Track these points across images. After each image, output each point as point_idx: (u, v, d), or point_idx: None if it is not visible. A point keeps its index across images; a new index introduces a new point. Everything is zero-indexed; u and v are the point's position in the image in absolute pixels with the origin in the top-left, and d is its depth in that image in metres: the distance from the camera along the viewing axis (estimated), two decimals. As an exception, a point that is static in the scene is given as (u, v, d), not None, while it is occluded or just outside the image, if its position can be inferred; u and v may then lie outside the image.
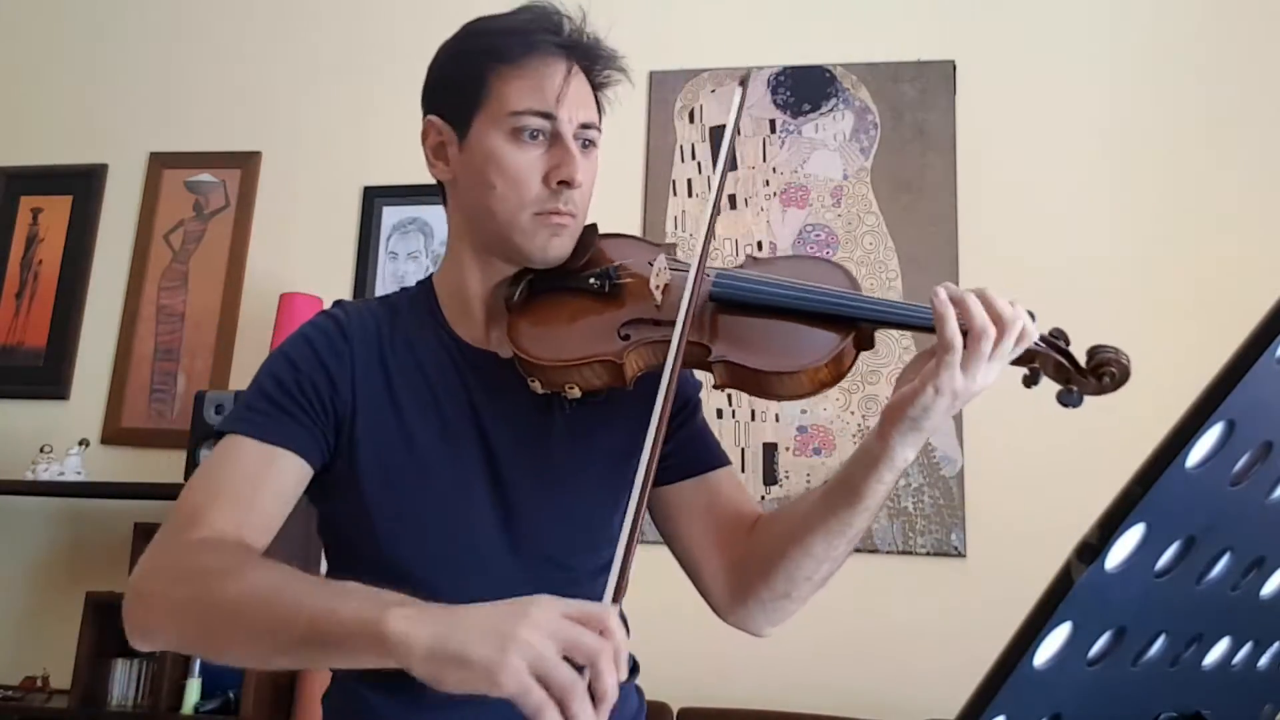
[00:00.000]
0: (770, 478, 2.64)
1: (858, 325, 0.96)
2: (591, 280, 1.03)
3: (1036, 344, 0.91)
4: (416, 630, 0.72)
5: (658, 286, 1.01)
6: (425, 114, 1.09)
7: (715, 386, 0.99)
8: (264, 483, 0.95)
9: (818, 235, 2.77)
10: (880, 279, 2.70)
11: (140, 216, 3.10)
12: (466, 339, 1.06)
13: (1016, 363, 0.92)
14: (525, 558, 1.01)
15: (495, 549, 1.00)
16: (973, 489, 2.53)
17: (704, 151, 2.88)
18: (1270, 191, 2.60)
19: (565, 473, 1.04)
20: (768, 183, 2.82)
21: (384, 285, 2.91)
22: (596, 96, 1.06)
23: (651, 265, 1.04)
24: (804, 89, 2.86)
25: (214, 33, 3.22)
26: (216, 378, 2.91)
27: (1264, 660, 0.65)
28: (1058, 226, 2.66)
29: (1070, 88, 2.75)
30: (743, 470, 2.63)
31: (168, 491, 2.64)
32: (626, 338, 0.97)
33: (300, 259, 2.97)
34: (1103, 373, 0.92)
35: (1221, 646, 0.61)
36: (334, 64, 3.11)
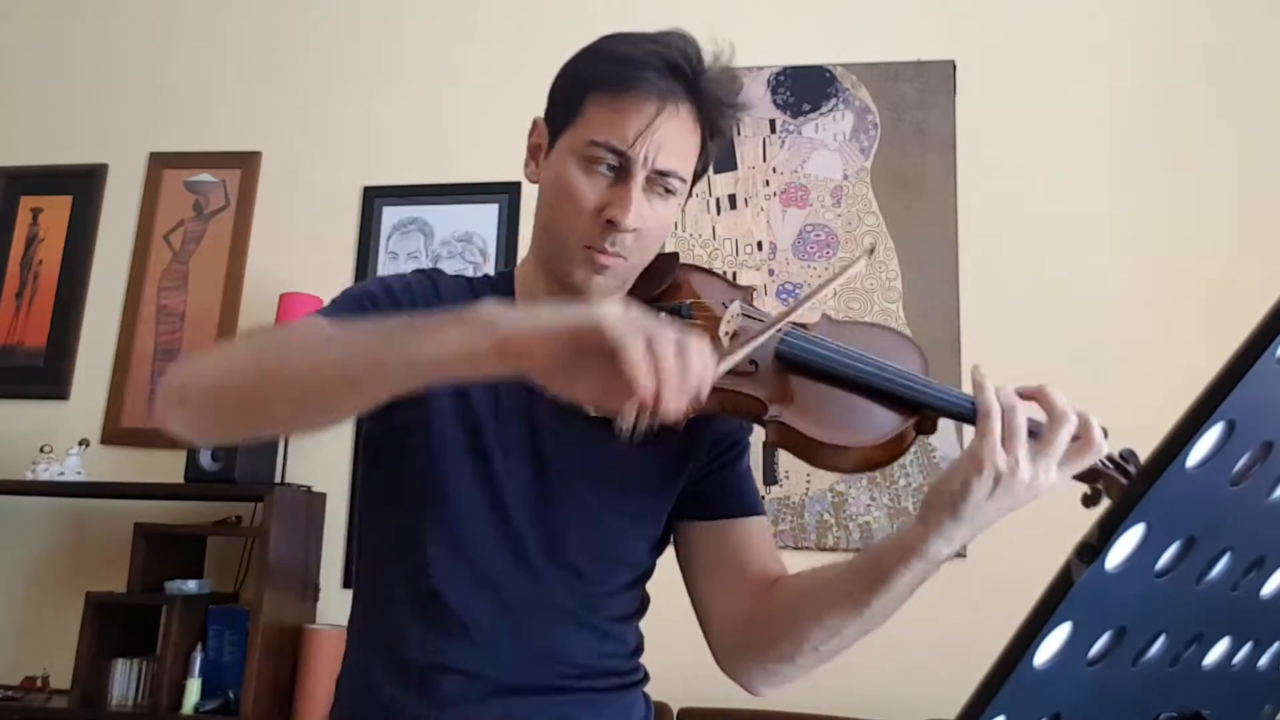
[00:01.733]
0: (770, 477, 2.60)
1: (922, 411, 0.93)
2: (663, 315, 0.99)
3: (1107, 464, 0.88)
4: (500, 311, 0.73)
5: (727, 333, 0.99)
6: (544, 112, 1.07)
7: (766, 444, 0.98)
8: None
9: (818, 235, 2.77)
10: (880, 279, 2.70)
11: (140, 216, 3.10)
12: None
13: (1081, 478, 0.89)
14: (556, 570, 1.01)
15: (530, 547, 1.01)
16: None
17: (704, 151, 2.88)
18: (1271, 191, 2.60)
19: (605, 490, 1.04)
20: (768, 183, 2.82)
21: (384, 285, 2.91)
22: (704, 139, 1.03)
23: (726, 308, 1.02)
24: (804, 89, 2.86)
25: (214, 33, 3.22)
26: (216, 378, 2.91)
27: (1264, 660, 0.65)
28: (1058, 226, 2.66)
29: (1070, 87, 2.75)
30: (743, 470, 2.63)
31: (168, 491, 2.65)
32: None
33: (300, 259, 2.97)
34: None
35: (1221, 646, 0.61)
36: (334, 64, 3.11)
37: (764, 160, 2.84)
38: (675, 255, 1.08)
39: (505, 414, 1.02)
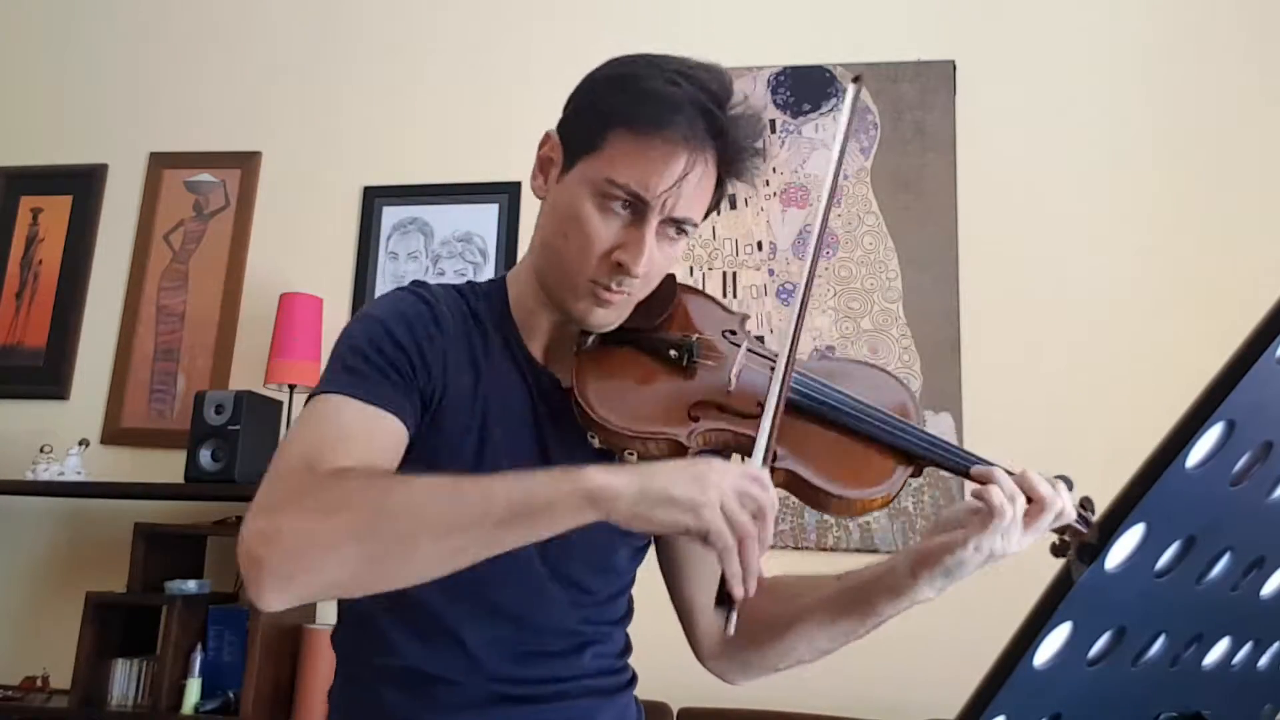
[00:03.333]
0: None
1: (916, 461, 0.99)
2: (672, 351, 1.00)
3: (1076, 523, 0.96)
4: (618, 479, 0.80)
5: (735, 373, 0.99)
6: (558, 125, 1.03)
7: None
8: (375, 439, 0.91)
9: (818, 235, 2.76)
10: (880, 279, 2.70)
11: (140, 216, 3.10)
12: (535, 355, 1.05)
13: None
14: (558, 580, 1.02)
15: (534, 568, 1.00)
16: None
17: (704, 151, 2.87)
18: (1271, 190, 2.60)
19: None
20: (767, 183, 2.82)
21: (384, 285, 2.91)
22: (721, 183, 1.02)
23: (731, 344, 1.03)
24: (804, 89, 2.86)
25: (215, 33, 3.21)
26: (216, 378, 2.91)
27: (1264, 660, 0.65)
28: (1058, 226, 2.66)
29: (1070, 87, 2.75)
30: (743, 470, 2.63)
31: (168, 491, 2.65)
32: (696, 419, 0.96)
33: (300, 259, 2.97)
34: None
35: (1221, 646, 0.61)
36: (334, 64, 3.11)
37: (764, 160, 2.84)
38: (672, 278, 1.07)
39: (513, 433, 1.01)
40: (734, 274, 2.77)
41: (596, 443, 0.97)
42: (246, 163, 3.07)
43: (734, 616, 0.83)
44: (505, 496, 0.80)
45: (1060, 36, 2.79)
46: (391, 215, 2.96)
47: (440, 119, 2.98)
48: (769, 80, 2.87)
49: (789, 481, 0.95)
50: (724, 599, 0.83)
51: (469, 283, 1.10)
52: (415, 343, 0.97)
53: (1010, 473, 0.94)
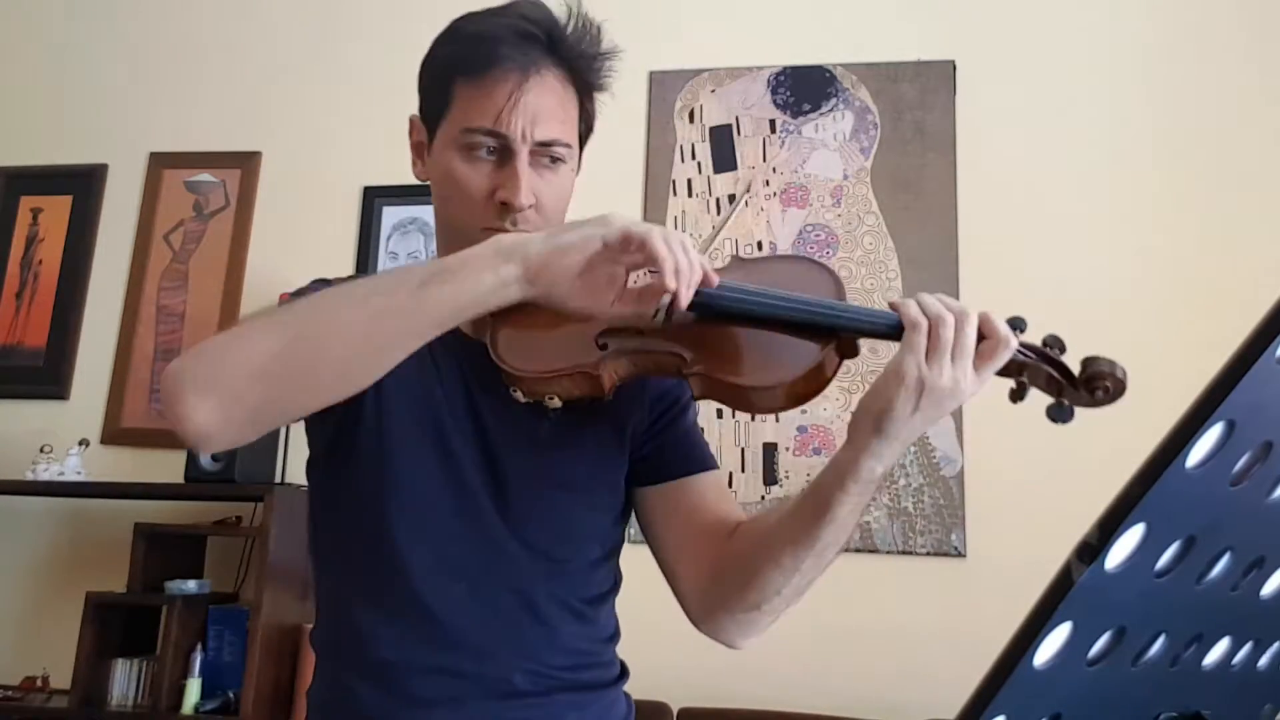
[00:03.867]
0: (770, 478, 2.64)
1: (838, 335, 0.92)
2: None
3: (1025, 354, 0.88)
4: (527, 236, 0.84)
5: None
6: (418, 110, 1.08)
7: (693, 398, 0.97)
8: None
9: (818, 235, 2.77)
10: (880, 279, 2.70)
11: (140, 216, 3.10)
12: (464, 329, 1.04)
13: (1004, 374, 0.88)
14: (520, 548, 1.00)
15: (493, 539, 0.99)
16: (973, 489, 2.53)
17: (704, 151, 2.88)
18: (1272, 190, 2.60)
19: (557, 470, 1.03)
20: (767, 183, 2.82)
21: (384, 285, 2.91)
22: (584, 102, 1.03)
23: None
24: (804, 89, 2.86)
25: (214, 33, 3.22)
26: (216, 378, 2.91)
27: (1264, 660, 0.65)
28: (1058, 226, 2.66)
29: (1070, 87, 2.75)
30: (742, 470, 2.63)
31: (168, 491, 2.65)
32: (604, 347, 0.94)
33: (300, 259, 2.96)
34: (1096, 386, 0.87)
35: (1221, 646, 0.61)
36: (334, 64, 3.11)
37: (764, 160, 2.84)
38: None
39: (454, 407, 1.01)
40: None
41: (520, 396, 0.96)
42: (246, 163, 3.07)
43: (662, 305, 0.85)
44: (423, 268, 0.83)
45: (1060, 36, 2.79)
46: (391, 215, 2.96)
47: (440, 119, 2.97)
48: (769, 80, 2.87)
49: (706, 387, 0.93)
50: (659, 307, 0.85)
51: None
52: None
53: None
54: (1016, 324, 0.88)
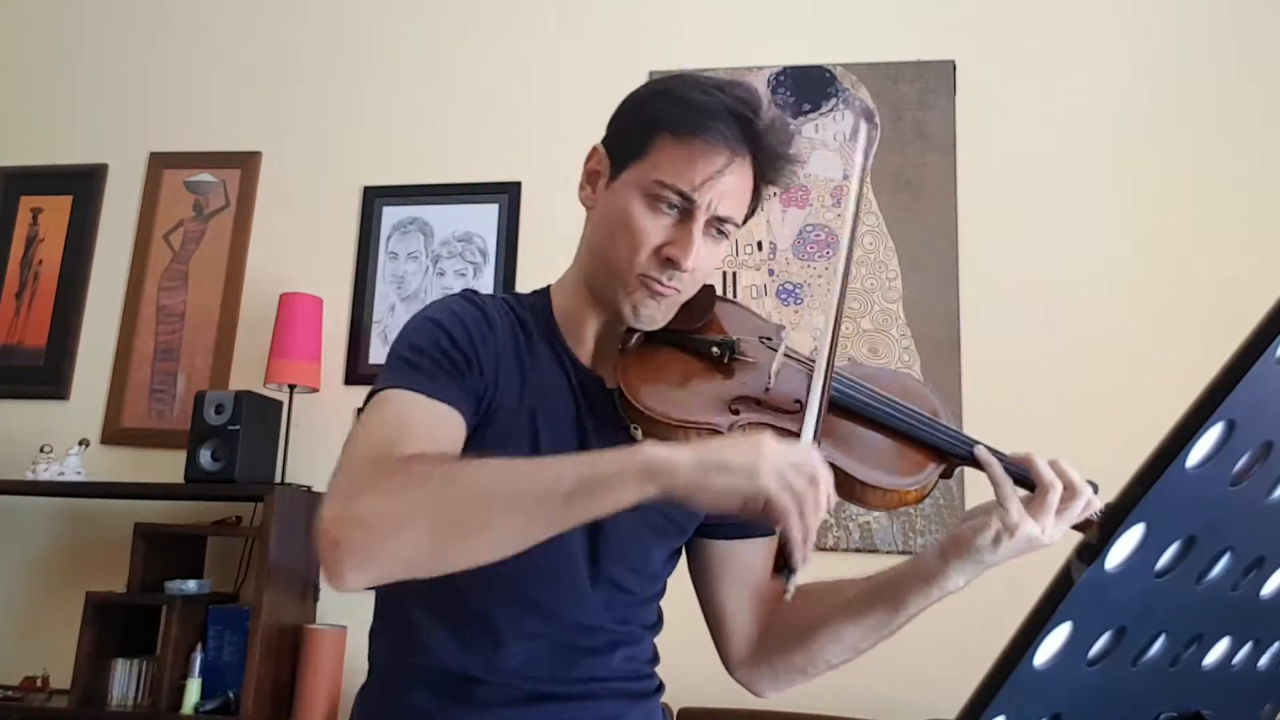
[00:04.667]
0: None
1: (948, 459, 1.01)
2: (714, 349, 1.04)
3: (1098, 516, 0.97)
4: (675, 452, 0.82)
5: (776, 371, 1.03)
6: (603, 140, 1.10)
7: None
8: (438, 429, 0.95)
9: (817, 235, 2.77)
10: (880, 279, 2.70)
11: (140, 216, 3.10)
12: (581, 359, 1.09)
13: (1080, 529, 0.99)
14: (599, 580, 1.04)
15: (578, 567, 1.03)
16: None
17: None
18: (1272, 189, 2.60)
19: (648, 511, 1.05)
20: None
21: (384, 285, 2.91)
22: (758, 188, 1.08)
23: (768, 348, 1.07)
24: (804, 89, 2.86)
25: (214, 33, 3.22)
26: (216, 378, 2.91)
27: (1264, 660, 0.65)
28: (1057, 226, 2.66)
29: (1070, 88, 2.75)
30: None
31: (168, 491, 2.65)
32: (736, 412, 1.00)
33: (300, 259, 2.97)
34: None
35: (1221, 646, 0.61)
36: (334, 64, 3.11)
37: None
38: (711, 288, 1.12)
39: (556, 432, 1.04)
40: (734, 274, 2.77)
41: (639, 434, 1.00)
42: (246, 163, 3.07)
43: (794, 581, 0.84)
44: (573, 470, 0.84)
45: (1060, 36, 2.79)
46: (391, 215, 2.96)
47: (440, 119, 2.98)
48: (769, 80, 2.87)
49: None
50: (782, 565, 0.85)
51: (514, 293, 1.16)
52: (470, 341, 1.02)
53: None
54: (1094, 488, 0.99)
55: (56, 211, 3.14)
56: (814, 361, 1.00)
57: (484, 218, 2.90)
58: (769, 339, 1.08)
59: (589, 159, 1.09)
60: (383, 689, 1.05)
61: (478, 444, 0.99)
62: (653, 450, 0.82)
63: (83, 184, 3.14)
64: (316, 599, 2.70)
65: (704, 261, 1.03)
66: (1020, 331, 2.58)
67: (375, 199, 2.97)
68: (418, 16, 3.10)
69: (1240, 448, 0.50)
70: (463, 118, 2.96)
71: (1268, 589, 0.61)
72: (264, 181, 3.06)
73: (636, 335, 1.06)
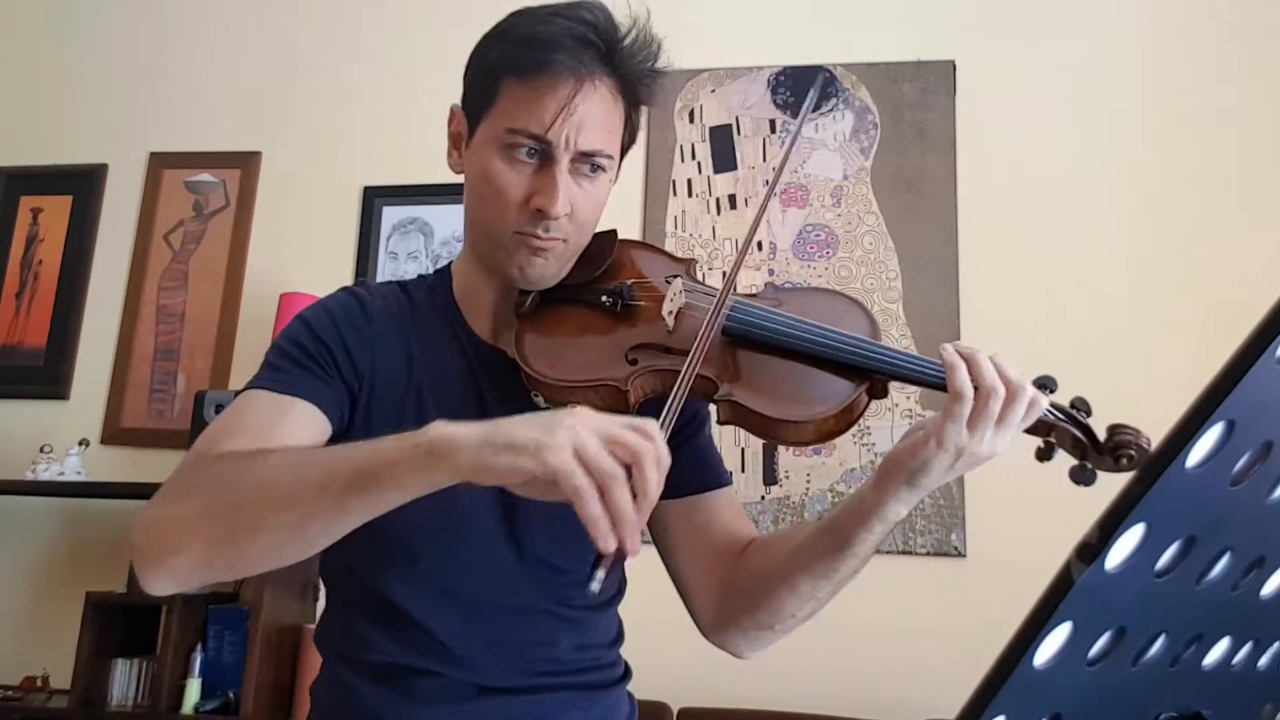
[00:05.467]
0: (770, 478, 2.64)
1: (871, 376, 0.92)
2: (604, 297, 1.00)
3: (1056, 415, 0.88)
4: (461, 430, 0.73)
5: (671, 312, 0.98)
6: (461, 98, 1.05)
7: (719, 422, 0.96)
8: (280, 426, 0.91)
9: (818, 235, 2.77)
10: (880, 279, 2.70)
11: (140, 216, 3.10)
12: (480, 334, 1.05)
13: (1032, 432, 0.89)
14: (527, 559, 1.00)
15: (499, 548, 0.99)
16: (973, 489, 2.53)
17: (704, 151, 2.88)
18: (1272, 189, 2.60)
19: None
20: (767, 182, 2.82)
21: (384, 285, 2.91)
22: (630, 114, 1.01)
23: (668, 285, 1.01)
24: (804, 89, 2.86)
25: (214, 33, 3.22)
26: (216, 378, 2.91)
27: (1264, 660, 0.65)
28: (1057, 226, 2.66)
29: (1070, 88, 2.75)
30: (742, 470, 2.63)
31: (168, 491, 2.65)
32: (634, 362, 0.94)
33: (300, 259, 2.97)
34: (1120, 454, 0.86)
35: (1221, 646, 0.61)
36: (334, 64, 3.11)
37: (764, 160, 2.84)
38: (613, 233, 1.06)
39: (452, 412, 1.00)
40: (723, 273, 2.77)
41: (541, 402, 0.96)
42: (246, 163, 3.07)
43: (598, 574, 0.71)
44: (349, 460, 0.77)
45: (1060, 36, 2.79)
46: (391, 215, 2.96)
47: (441, 119, 2.94)
48: (769, 80, 2.87)
49: (734, 414, 0.92)
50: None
51: (419, 275, 1.12)
52: (339, 336, 0.98)
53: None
54: (1046, 384, 0.89)
55: (56, 211, 3.14)
56: (716, 293, 0.93)
57: (484, 218, 2.89)
58: (675, 277, 1.02)
59: (450, 122, 1.04)
60: (333, 686, 1.02)
61: (363, 433, 0.95)
62: (438, 430, 0.74)
63: (83, 184, 3.14)
64: (316, 599, 2.70)
65: (581, 203, 0.97)
66: (1020, 331, 2.58)
67: (375, 199, 2.97)
68: (418, 16, 3.10)
69: (1240, 448, 0.50)
70: (463, 118, 2.95)
71: (1268, 589, 0.61)
72: (264, 181, 3.07)
73: (531, 297, 1.01)
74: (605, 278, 1.03)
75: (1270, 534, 0.58)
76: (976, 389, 0.84)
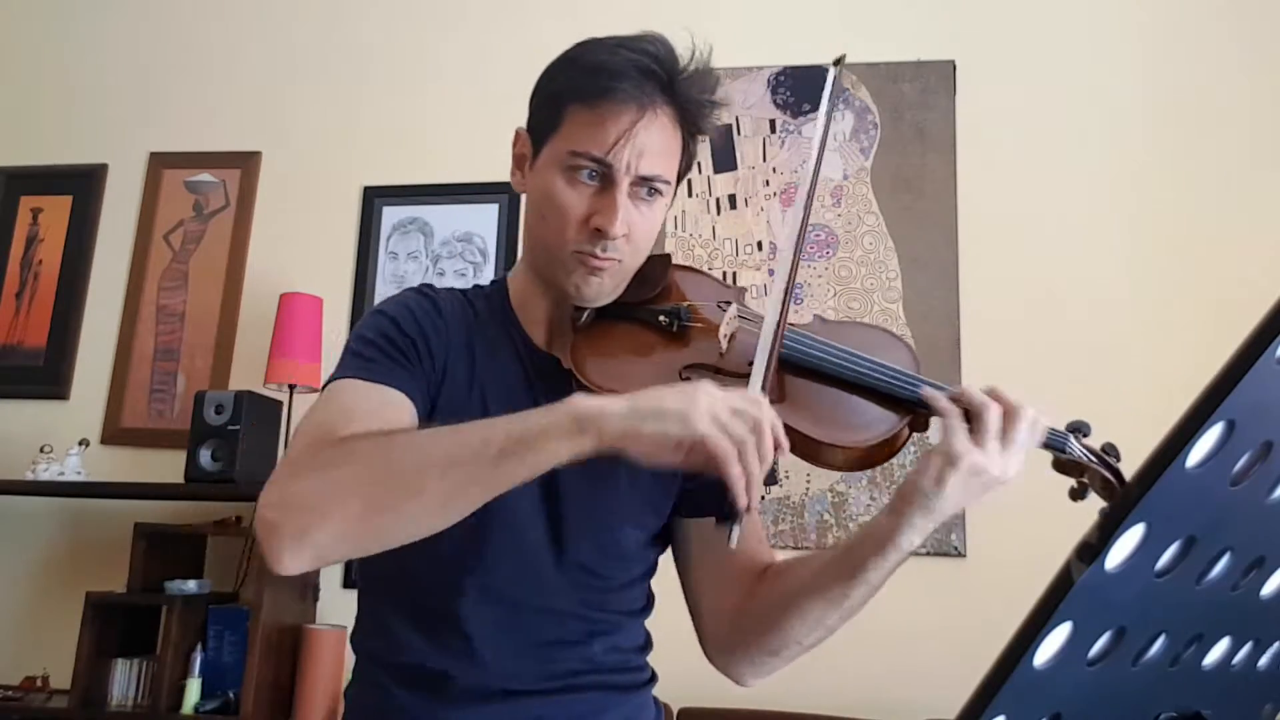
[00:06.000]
0: (770, 478, 2.62)
1: (915, 410, 0.96)
2: (661, 317, 1.03)
3: (1089, 458, 0.94)
4: (607, 402, 0.80)
5: (726, 335, 1.01)
6: (526, 121, 1.09)
7: None
8: (385, 411, 0.94)
9: (818, 235, 2.77)
10: (880, 279, 2.70)
11: (140, 216, 3.10)
12: (536, 342, 1.08)
13: (1065, 472, 0.96)
14: (566, 565, 1.02)
15: (541, 552, 1.02)
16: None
17: (704, 151, 2.88)
18: (1272, 190, 2.60)
19: (613, 491, 1.05)
20: (767, 183, 2.82)
21: (384, 285, 2.91)
22: (688, 143, 1.06)
23: (722, 311, 1.04)
24: (804, 89, 2.86)
25: (214, 33, 3.22)
26: (216, 378, 2.91)
27: (1264, 660, 0.65)
28: (1057, 226, 2.66)
29: (1070, 87, 2.75)
30: (743, 470, 2.63)
31: (168, 491, 2.65)
32: (686, 380, 0.96)
33: (300, 259, 2.97)
34: None
35: (1221, 646, 0.61)
36: (333, 64, 3.11)
37: (764, 160, 2.84)
38: (668, 257, 1.10)
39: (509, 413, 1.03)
40: (734, 274, 2.77)
41: None
42: (246, 163, 3.07)
43: (736, 530, 0.81)
44: (503, 429, 0.81)
45: (1060, 36, 2.79)
46: (391, 215, 2.96)
47: (440, 119, 2.98)
48: (769, 80, 2.87)
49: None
50: (726, 512, 0.81)
51: (474, 286, 1.15)
52: (420, 331, 1.02)
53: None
54: (1079, 427, 0.95)
55: (56, 211, 3.14)
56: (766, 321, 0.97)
57: (484, 217, 2.90)
58: (726, 303, 1.06)
59: (515, 144, 1.08)
60: (367, 689, 1.05)
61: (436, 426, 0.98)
62: (584, 401, 0.80)
63: (83, 184, 3.14)
64: (316, 599, 2.70)
65: (638, 226, 1.01)
66: (1020, 331, 2.58)
67: (375, 199, 2.97)
68: (417, 16, 3.10)
69: (1240, 448, 0.50)
70: (462, 118, 2.96)
71: (1268, 589, 0.61)
72: (264, 181, 3.06)
73: (588, 312, 1.04)
74: (660, 299, 1.06)
75: (1270, 534, 0.58)
76: (971, 402, 0.90)
